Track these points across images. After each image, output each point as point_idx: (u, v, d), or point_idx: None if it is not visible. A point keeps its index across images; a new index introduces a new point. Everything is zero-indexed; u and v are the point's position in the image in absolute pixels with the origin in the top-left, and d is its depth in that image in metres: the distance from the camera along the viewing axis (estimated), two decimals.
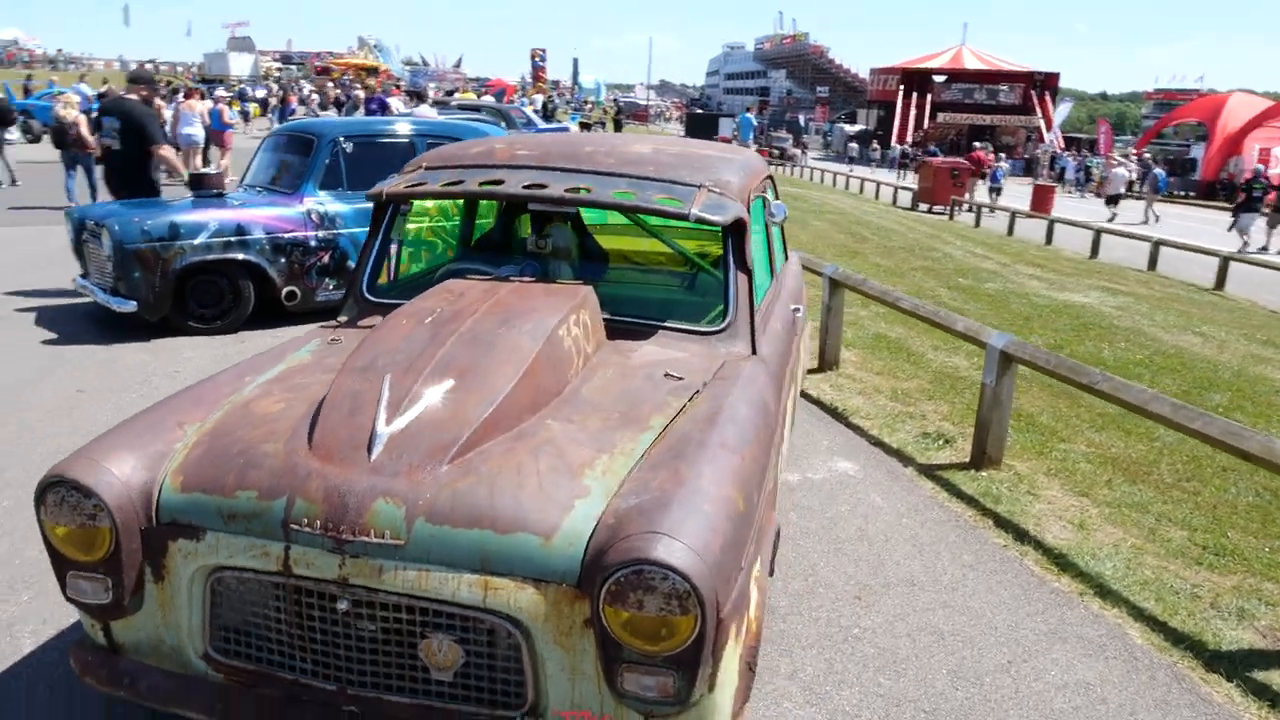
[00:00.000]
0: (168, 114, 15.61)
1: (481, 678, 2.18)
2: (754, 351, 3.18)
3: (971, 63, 57.33)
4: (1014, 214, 21.93)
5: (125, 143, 7.56)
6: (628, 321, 3.23)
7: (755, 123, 34.15)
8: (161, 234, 6.48)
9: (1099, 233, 18.34)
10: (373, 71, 50.26)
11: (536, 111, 27.20)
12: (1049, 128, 51.40)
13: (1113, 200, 27.12)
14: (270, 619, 2.27)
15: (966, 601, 3.62)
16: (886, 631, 3.37)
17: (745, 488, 2.36)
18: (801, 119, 69.77)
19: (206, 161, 16.23)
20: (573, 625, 2.08)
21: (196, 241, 6.60)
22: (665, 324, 3.23)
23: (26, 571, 3.43)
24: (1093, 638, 3.42)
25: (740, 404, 2.72)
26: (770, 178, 4.36)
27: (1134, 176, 30.71)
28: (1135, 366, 7.78)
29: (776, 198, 4.63)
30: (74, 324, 6.95)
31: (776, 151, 46.19)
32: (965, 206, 25.09)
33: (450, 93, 37.17)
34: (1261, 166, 24.16)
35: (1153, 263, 16.57)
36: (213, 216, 6.73)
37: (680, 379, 2.84)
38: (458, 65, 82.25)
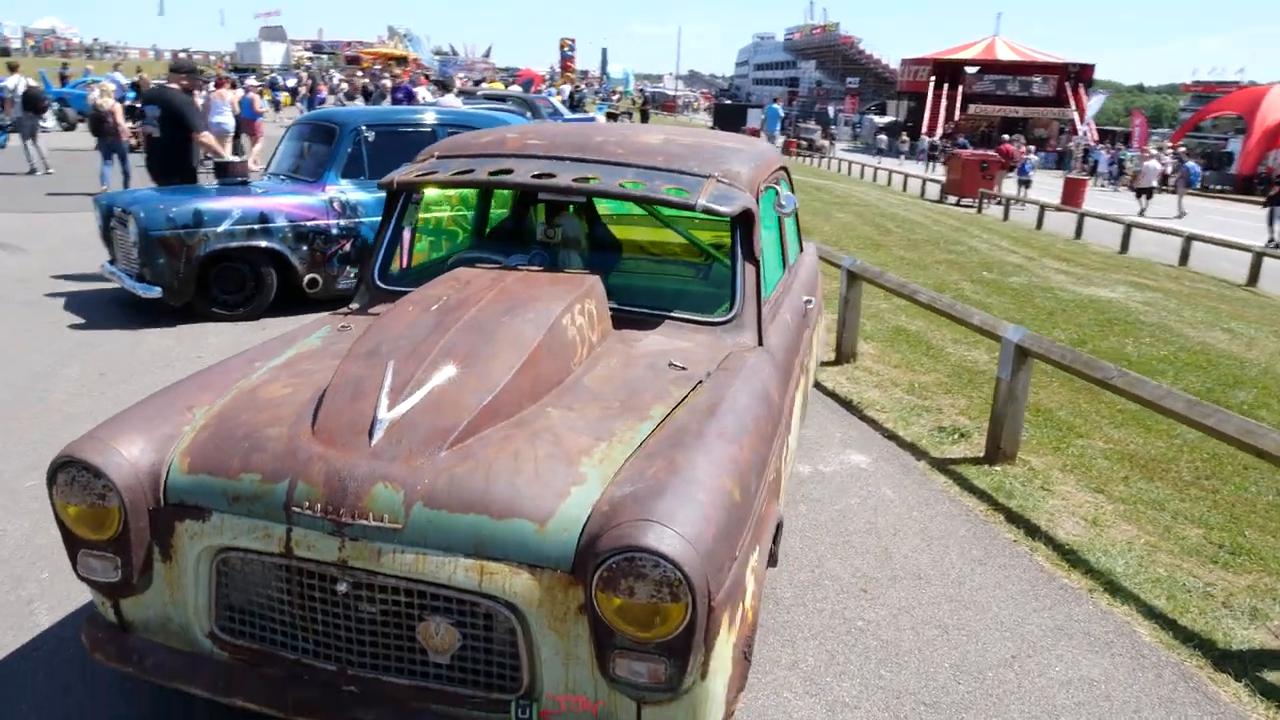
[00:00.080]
0: (199, 103, 15.79)
1: (478, 661, 2.22)
2: (760, 342, 3.18)
3: (1005, 54, 56.58)
4: (1043, 207, 21.66)
5: (165, 130, 7.79)
6: (635, 311, 3.24)
7: (782, 113, 33.95)
8: (186, 221, 6.58)
9: (1129, 227, 18.07)
10: (402, 61, 50.51)
11: (564, 102, 27.22)
12: (1082, 120, 50.66)
13: (1144, 193, 26.71)
14: (273, 599, 2.32)
15: (973, 596, 3.61)
16: (890, 624, 3.37)
17: (742, 478, 2.37)
18: (831, 110, 69.23)
19: (238, 150, 16.41)
20: (567, 611, 2.10)
21: (220, 229, 6.69)
22: (672, 314, 3.24)
23: (47, 551, 3.51)
24: (1099, 634, 3.40)
25: (742, 395, 2.73)
26: (784, 169, 4.34)
27: (1168, 170, 30.18)
28: (1159, 363, 7.68)
29: (791, 189, 4.62)
30: (101, 309, 7.07)
31: (804, 143, 45.92)
32: (994, 200, 24.81)
33: (478, 82, 37.30)
34: None
35: (1184, 257, 16.32)
36: (236, 204, 6.81)
37: (684, 369, 2.85)
38: (487, 55, 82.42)
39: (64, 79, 31.22)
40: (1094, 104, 52.44)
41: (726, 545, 2.14)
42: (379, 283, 3.53)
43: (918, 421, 5.63)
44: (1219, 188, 37.80)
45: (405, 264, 3.90)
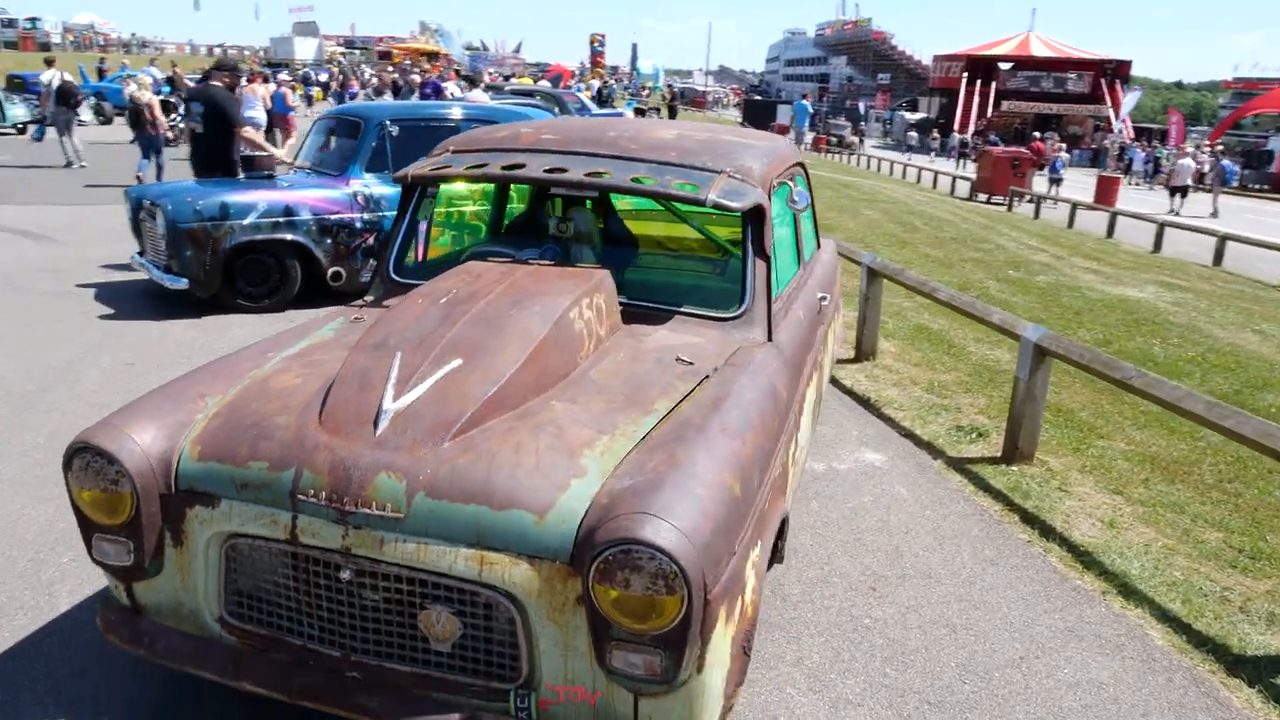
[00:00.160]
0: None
1: (478, 650, 2.24)
2: (770, 338, 3.18)
3: (1039, 50, 55.88)
4: (1074, 205, 21.38)
5: (208, 126, 8.04)
6: (645, 306, 3.25)
7: (811, 110, 33.76)
8: (212, 214, 6.68)
9: (1162, 226, 17.79)
10: (433, 56, 50.81)
11: (592, 97, 27.25)
12: (1117, 117, 49.91)
13: (1179, 192, 26.29)
14: (280, 586, 2.36)
15: (983, 596, 3.59)
16: (898, 623, 3.36)
17: (744, 473, 2.38)
18: (862, 106, 68.76)
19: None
20: (565, 602, 2.12)
21: (246, 221, 6.78)
22: (682, 309, 3.25)
23: (69, 535, 3.58)
24: (1110, 637, 3.37)
25: (748, 390, 2.73)
26: (800, 165, 4.33)
27: (1205, 168, 29.68)
28: (1185, 364, 7.57)
29: (809, 186, 4.61)
30: (130, 300, 7.20)
31: (834, 139, 45.67)
32: (1025, 198, 24.53)
33: (507, 78, 37.44)
34: None
35: (1218, 257, 16.05)
36: (262, 197, 6.91)
37: (690, 364, 2.86)
38: (517, 50, 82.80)
39: (101, 73, 31.70)
40: (1129, 100, 51.60)
41: (724, 539, 2.15)
42: (394, 276, 3.56)
43: (936, 420, 5.59)
44: (1258, 187, 37.11)
45: (421, 257, 3.94)
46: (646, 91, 56.43)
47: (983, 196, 26.42)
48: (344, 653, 2.33)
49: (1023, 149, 28.89)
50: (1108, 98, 51.74)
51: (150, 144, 12.84)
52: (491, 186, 4.68)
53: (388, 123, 7.39)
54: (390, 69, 36.15)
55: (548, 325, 2.67)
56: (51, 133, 15.65)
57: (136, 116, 12.84)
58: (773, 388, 2.90)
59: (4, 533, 3.62)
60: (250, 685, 2.34)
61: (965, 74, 53.14)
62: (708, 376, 2.79)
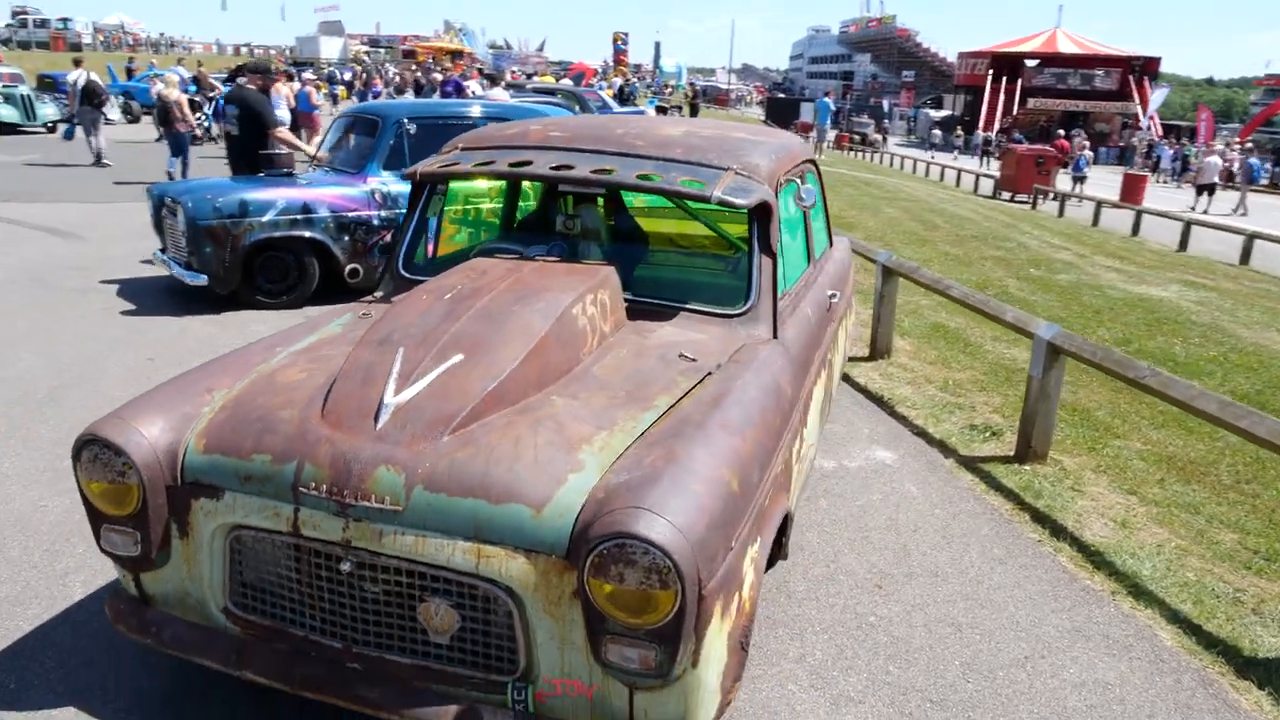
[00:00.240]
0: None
1: (476, 642, 2.27)
2: (775, 335, 3.18)
3: (1066, 46, 55.28)
4: (1099, 203, 21.14)
5: (243, 128, 8.34)
6: (650, 302, 3.26)
7: (833, 107, 33.59)
8: (232, 211, 6.76)
9: (1189, 224, 17.56)
10: (457, 55, 51.02)
11: (614, 95, 27.26)
12: (1144, 114, 49.27)
13: (1206, 190, 25.93)
14: (283, 577, 2.39)
15: (990, 595, 3.57)
16: (903, 621, 3.35)
17: (743, 469, 2.38)
18: (886, 104, 68.34)
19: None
20: (561, 595, 2.14)
21: (264, 218, 6.86)
22: (687, 306, 3.26)
23: (84, 527, 3.63)
24: (1119, 637, 3.34)
25: (750, 387, 2.74)
26: (811, 162, 4.32)
27: (1234, 166, 29.24)
28: (1207, 363, 7.48)
29: (820, 183, 4.60)
30: (151, 296, 7.30)
31: (857, 137, 45.42)
32: (1050, 195, 24.29)
33: (530, 76, 37.55)
34: None
35: (1245, 256, 15.81)
36: (280, 195, 6.98)
37: (694, 360, 2.87)
38: (541, 49, 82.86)
39: (130, 73, 32.11)
40: (1157, 97, 50.90)
41: (721, 535, 2.16)
42: (403, 272, 3.60)
43: (949, 419, 5.56)
44: None
45: (432, 253, 3.97)
46: (669, 90, 56.38)
47: (1006, 195, 26.18)
48: (345, 644, 2.36)
49: (1047, 147, 28.59)
50: (1136, 95, 51.08)
51: (177, 141, 13.01)
52: (506, 183, 4.71)
53: (405, 121, 7.44)
54: (414, 68, 36.34)
55: (550, 321, 2.69)
56: (80, 132, 15.88)
57: (165, 114, 13.03)
58: (776, 384, 2.90)
59: (22, 524, 3.69)
60: (252, 675, 2.38)
61: (990, 71, 52.63)
62: (710, 373, 2.79)
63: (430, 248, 3.95)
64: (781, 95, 77.99)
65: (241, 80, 9.27)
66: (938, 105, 64.90)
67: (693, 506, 2.11)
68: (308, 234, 7.04)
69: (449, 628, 2.26)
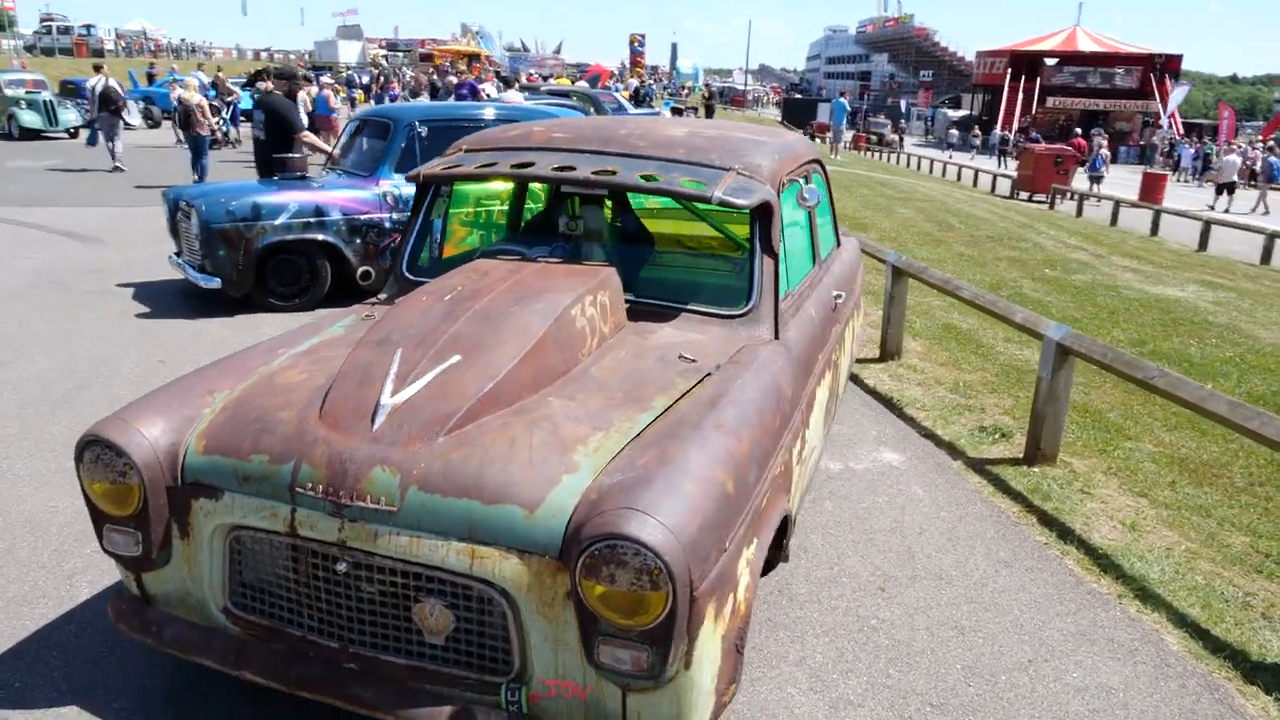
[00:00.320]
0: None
1: (471, 643, 2.28)
2: (776, 336, 3.18)
3: (1086, 44, 54.76)
4: (1118, 203, 20.95)
5: (270, 133, 8.63)
6: (651, 303, 3.27)
7: (849, 108, 33.49)
8: (245, 214, 6.82)
9: (1208, 224, 17.37)
10: (474, 58, 51.18)
11: (630, 97, 27.29)
12: (1165, 112, 48.78)
13: (1225, 189, 25.65)
14: (280, 577, 2.41)
15: (994, 598, 3.54)
16: (905, 624, 3.33)
17: (738, 470, 2.38)
18: (904, 104, 68.01)
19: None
20: (555, 596, 2.14)
21: (277, 222, 6.91)
22: (688, 306, 3.26)
23: (92, 527, 3.68)
24: (1124, 641, 3.31)
25: (748, 388, 2.73)
26: (817, 161, 4.31)
27: (1257, 165, 28.89)
28: (1223, 364, 7.39)
29: (827, 183, 4.59)
30: (166, 299, 7.38)
31: (873, 137, 45.25)
32: (1067, 195, 24.09)
33: (546, 78, 37.65)
34: None
35: (1266, 256, 15.63)
36: (293, 198, 7.03)
37: (693, 361, 2.87)
38: (557, 51, 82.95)
39: (151, 78, 32.43)
40: (1177, 95, 50.31)
41: (714, 536, 2.16)
42: (407, 274, 3.62)
43: (958, 420, 5.53)
44: None
45: (437, 255, 3.99)
46: (686, 91, 56.34)
47: (1024, 194, 25.99)
48: (342, 644, 2.37)
49: (1065, 146, 28.36)
50: (1156, 93, 50.57)
51: (197, 144, 13.15)
52: (513, 186, 4.72)
53: (417, 124, 7.48)
54: (431, 70, 36.52)
55: (548, 322, 2.70)
56: (101, 137, 16.06)
57: (186, 118, 13.17)
58: (776, 385, 2.90)
59: (32, 525, 3.73)
60: (250, 674, 2.40)
61: (1009, 70, 52.22)
62: (709, 374, 2.79)
63: (436, 249, 3.97)
64: (798, 96, 77.83)
65: (267, 86, 9.46)
66: (956, 105, 64.52)
67: (685, 508, 2.11)
68: (320, 237, 7.09)
69: (444, 628, 2.27)
